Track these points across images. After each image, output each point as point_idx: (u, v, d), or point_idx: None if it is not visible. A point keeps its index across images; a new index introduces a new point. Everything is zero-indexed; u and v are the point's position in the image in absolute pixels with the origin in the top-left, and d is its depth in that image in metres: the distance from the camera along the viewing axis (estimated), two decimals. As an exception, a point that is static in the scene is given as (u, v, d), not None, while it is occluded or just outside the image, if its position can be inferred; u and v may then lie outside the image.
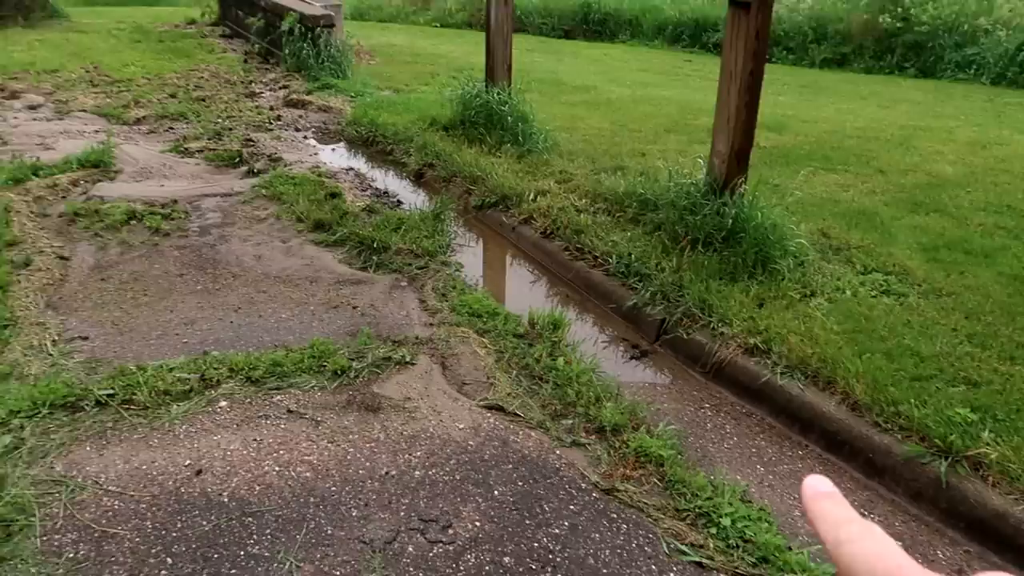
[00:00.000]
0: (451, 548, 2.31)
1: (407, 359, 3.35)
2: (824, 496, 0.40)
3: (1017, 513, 2.35)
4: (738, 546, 2.32)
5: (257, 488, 2.54)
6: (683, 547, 2.33)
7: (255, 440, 2.78)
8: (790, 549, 2.31)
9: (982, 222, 4.53)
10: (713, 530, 2.38)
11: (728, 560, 2.28)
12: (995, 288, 3.66)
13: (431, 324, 3.72)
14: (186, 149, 6.48)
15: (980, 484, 2.46)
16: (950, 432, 2.59)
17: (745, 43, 3.83)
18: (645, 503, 2.52)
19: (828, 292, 3.65)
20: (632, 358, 3.61)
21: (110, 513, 2.38)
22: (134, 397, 2.92)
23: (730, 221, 3.92)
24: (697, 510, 2.46)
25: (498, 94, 6.30)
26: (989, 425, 2.63)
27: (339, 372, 3.21)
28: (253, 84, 9.41)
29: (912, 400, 2.76)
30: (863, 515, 2.23)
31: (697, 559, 2.29)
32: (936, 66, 13.67)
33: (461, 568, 2.24)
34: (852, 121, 7.52)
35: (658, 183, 4.72)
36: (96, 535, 2.28)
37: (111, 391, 2.93)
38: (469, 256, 4.73)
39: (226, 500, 2.46)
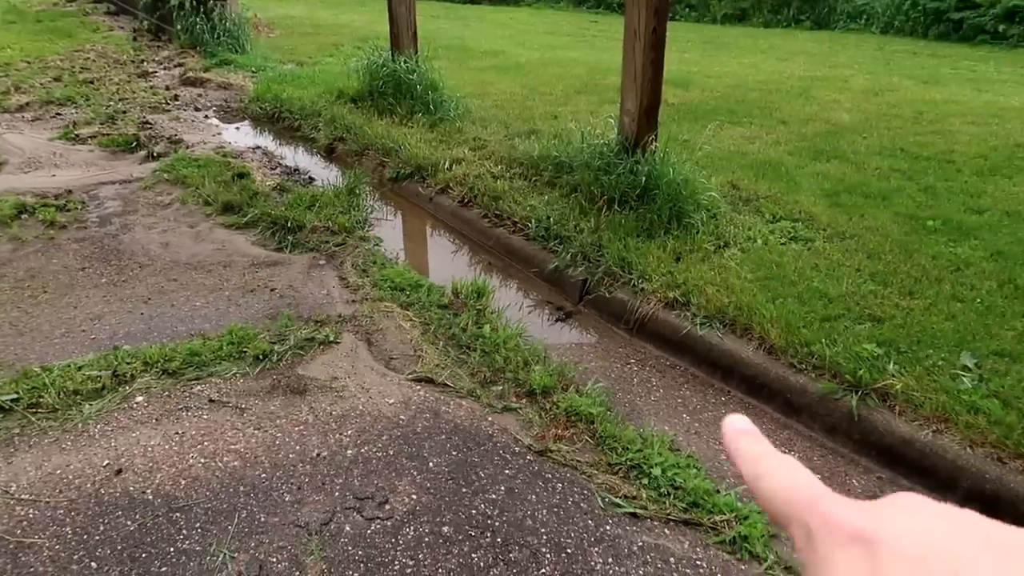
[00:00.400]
0: (389, 523, 2.30)
1: (331, 338, 3.29)
2: (743, 434, 0.40)
3: (922, 438, 2.50)
4: (669, 493, 2.39)
5: (183, 482, 2.46)
6: (617, 500, 2.39)
7: (177, 433, 2.69)
8: (718, 492, 2.40)
9: (878, 166, 4.75)
10: (645, 481, 2.45)
11: (661, 508, 2.35)
12: (893, 228, 3.84)
13: (353, 301, 3.66)
14: (77, 135, 6.13)
15: (888, 414, 2.61)
16: (859, 367, 2.72)
17: (647, 1, 3.85)
18: (578, 461, 2.56)
19: (740, 242, 3.77)
20: (558, 320, 3.65)
21: (25, 523, 2.26)
22: (41, 400, 2.78)
23: (643, 179, 3.98)
24: (628, 463, 2.52)
25: (405, 62, 6.18)
26: (893, 358, 2.78)
27: (261, 357, 3.13)
28: (145, 63, 8.94)
29: (823, 340, 2.89)
30: (784, 452, 2.35)
31: (631, 510, 2.35)
32: (829, 18, 14.15)
33: (400, 542, 2.23)
34: (754, 75, 7.72)
35: (572, 145, 4.74)
36: (11, 547, 2.17)
37: (15, 395, 2.78)
38: (388, 230, 4.66)
39: (150, 497, 2.38)
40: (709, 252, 3.65)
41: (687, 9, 16.18)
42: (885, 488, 2.51)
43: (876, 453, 2.61)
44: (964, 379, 2.67)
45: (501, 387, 2.97)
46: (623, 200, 4.04)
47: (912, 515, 0.31)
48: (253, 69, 8.46)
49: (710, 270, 3.47)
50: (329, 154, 5.98)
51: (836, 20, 14.00)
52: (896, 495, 0.34)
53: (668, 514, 2.33)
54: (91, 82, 7.88)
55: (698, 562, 2.18)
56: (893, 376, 2.68)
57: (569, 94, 6.87)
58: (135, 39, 10.28)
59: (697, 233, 3.80)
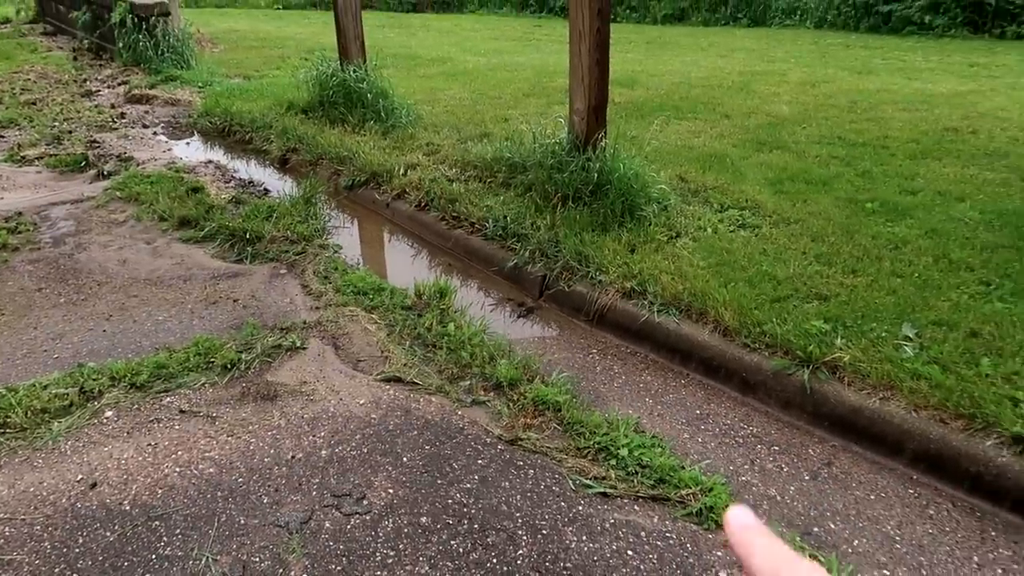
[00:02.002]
0: (368, 517, 2.36)
1: (298, 344, 3.33)
2: (752, 529, 0.42)
3: (870, 406, 2.65)
4: (637, 472, 2.49)
5: (160, 491, 2.48)
6: (588, 481, 2.48)
7: (150, 445, 2.71)
8: (683, 468, 2.51)
9: (818, 154, 4.95)
10: (613, 462, 2.55)
11: (630, 486, 2.45)
12: (834, 211, 4.03)
13: (317, 307, 3.70)
14: (23, 157, 6.03)
15: (838, 385, 2.75)
16: (808, 343, 2.87)
17: (590, 2, 3.98)
18: (548, 447, 2.65)
19: (692, 232, 3.91)
20: (520, 316, 3.74)
21: (1, 541, 2.27)
22: (8, 420, 2.77)
23: (595, 175, 4.09)
24: (596, 446, 2.62)
25: (354, 72, 6.22)
26: (840, 332, 2.93)
27: (229, 366, 3.16)
28: (88, 82, 8.80)
29: (774, 319, 3.03)
30: (742, 428, 2.44)
31: (602, 490, 2.45)
32: (765, 15, 14.56)
33: (380, 534, 2.29)
34: (696, 72, 7.94)
35: (524, 146, 4.84)
36: (-9, 564, 2.17)
37: (-19, 417, 2.76)
38: (347, 237, 4.69)
39: (128, 508, 2.40)
40: (662, 242, 3.78)
41: (628, 11, 16.48)
42: (839, 455, 2.65)
43: (829, 423, 2.75)
44: (906, 348, 2.83)
45: (469, 382, 3.04)
46: (577, 196, 4.15)
47: None
48: (200, 84, 8.40)
49: (664, 259, 3.60)
50: (283, 165, 5.98)
51: (772, 17, 14.42)
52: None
53: (637, 491, 2.43)
54: (33, 103, 7.74)
55: (668, 534, 2.28)
56: (841, 349, 2.83)
57: (518, 97, 6.99)
58: (75, 59, 10.10)
59: (650, 225, 3.93)
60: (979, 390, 2.55)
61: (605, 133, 4.32)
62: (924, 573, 2.14)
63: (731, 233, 3.88)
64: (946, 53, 9.57)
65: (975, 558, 2.20)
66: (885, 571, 2.15)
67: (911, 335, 2.91)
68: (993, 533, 2.30)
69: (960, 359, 2.74)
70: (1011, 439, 2.40)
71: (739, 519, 0.42)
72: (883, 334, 2.91)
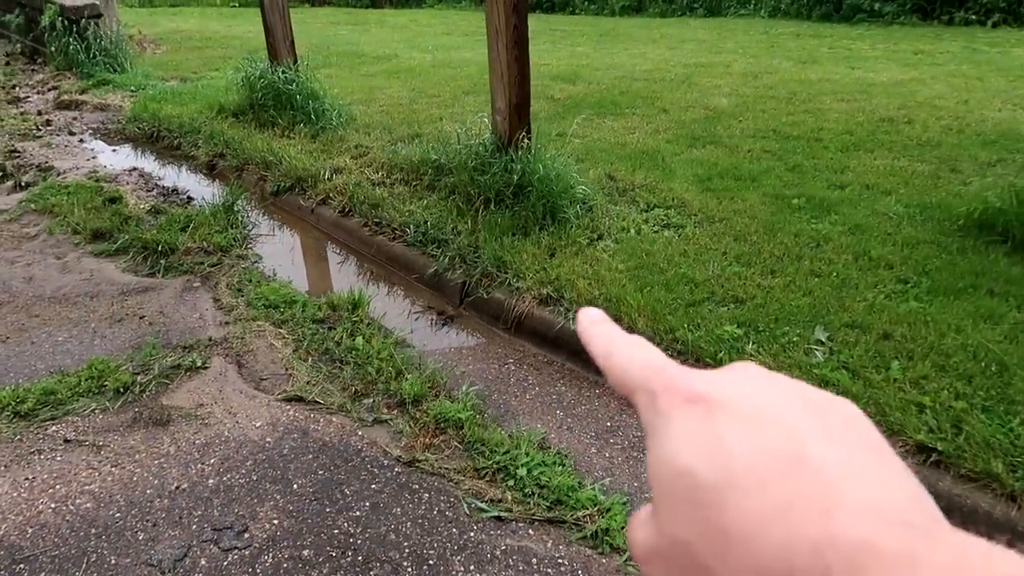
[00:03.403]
0: (247, 553, 2.23)
1: (199, 364, 3.18)
2: (596, 322, 0.42)
3: (778, 413, 2.56)
4: (534, 493, 2.39)
5: (30, 531, 2.33)
6: (483, 504, 2.37)
7: (27, 479, 2.55)
8: (582, 486, 2.41)
9: (750, 148, 4.88)
10: (511, 482, 2.44)
11: (525, 509, 2.35)
12: (760, 208, 3.95)
13: (226, 323, 3.55)
14: (-65, 169, 5.76)
15: (747, 392, 2.66)
16: (719, 350, 2.78)
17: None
18: (446, 468, 2.54)
19: (615, 233, 3.81)
20: (439, 325, 3.62)
21: None
22: None
23: (517, 177, 3.98)
24: (496, 465, 2.51)
25: (283, 73, 6.03)
26: (752, 337, 2.85)
27: (122, 390, 3.00)
28: (17, 88, 8.50)
29: (686, 325, 2.94)
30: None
31: (496, 513, 2.34)
32: (721, 4, 14.52)
33: (258, 571, 2.17)
34: (641, 65, 7.85)
35: (451, 147, 4.71)
36: None
37: None
38: (268, 246, 4.54)
39: (-10, 552, 2.24)
40: (583, 245, 3.67)
41: (586, 2, 16.37)
42: (747, 465, 2.56)
43: (738, 432, 2.66)
44: (817, 353, 2.76)
45: (372, 399, 2.92)
46: (499, 199, 4.04)
47: (746, 380, 0.34)
48: (133, 88, 8.14)
49: (583, 263, 3.50)
50: (210, 171, 5.80)
51: (728, 6, 14.39)
52: (734, 364, 0.37)
53: (532, 514, 2.33)
54: (-45, 112, 7.45)
55: (560, 560, 2.18)
56: (751, 356, 2.75)
57: (457, 95, 6.85)
58: (8, 63, 9.77)
59: (572, 227, 3.83)
60: (886, 396, 2.48)
61: (528, 132, 4.21)
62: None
63: (655, 234, 3.79)
64: (893, 41, 9.58)
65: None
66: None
67: (823, 339, 2.84)
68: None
69: (870, 363, 2.66)
70: (915, 447, 2.33)
71: (589, 315, 0.42)
72: (795, 338, 2.83)
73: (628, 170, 4.58)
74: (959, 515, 2.18)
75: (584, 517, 2.29)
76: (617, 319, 3.07)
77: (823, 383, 2.58)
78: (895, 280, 3.19)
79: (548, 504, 2.35)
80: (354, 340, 3.25)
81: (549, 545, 2.23)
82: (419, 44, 10.85)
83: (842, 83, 6.65)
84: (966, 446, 2.26)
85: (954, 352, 2.69)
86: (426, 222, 4.05)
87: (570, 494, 2.36)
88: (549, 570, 2.15)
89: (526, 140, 4.16)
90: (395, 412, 2.85)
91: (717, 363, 2.74)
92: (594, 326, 0.42)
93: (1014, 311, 2.90)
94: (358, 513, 2.38)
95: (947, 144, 4.83)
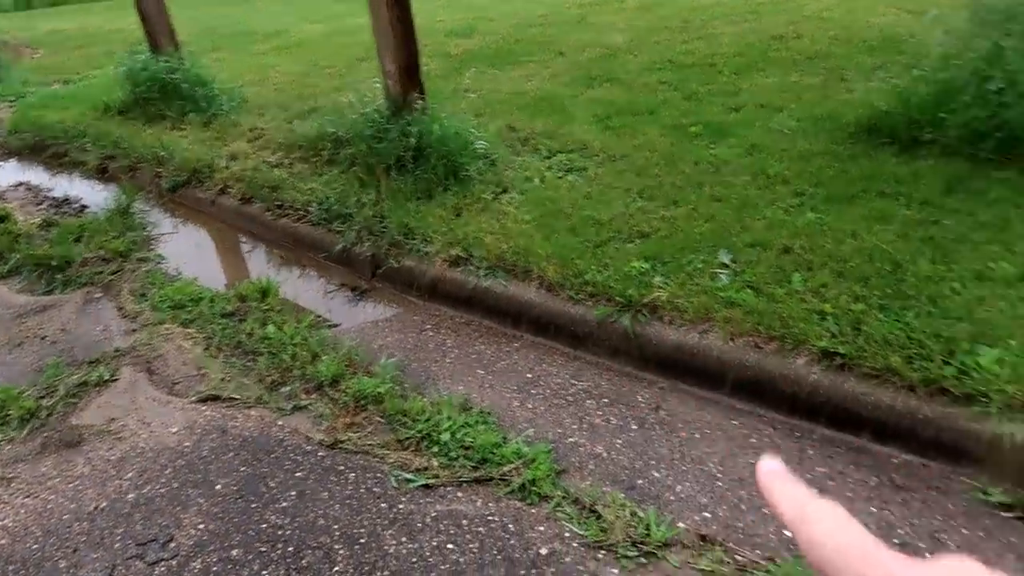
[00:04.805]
0: (174, 563, 2.18)
1: (107, 377, 3.06)
2: (778, 477, 0.42)
3: (690, 341, 2.61)
4: (459, 456, 2.38)
5: (-59, 578, 2.23)
6: (409, 475, 2.36)
7: (-67, 525, 2.43)
8: (506, 442, 2.41)
9: (647, 82, 4.88)
10: (435, 449, 2.43)
11: (452, 473, 2.34)
12: (660, 141, 3.97)
13: (132, 330, 3.42)
14: None
15: (659, 325, 2.70)
16: (628, 286, 2.80)
17: (375, -43, 3.72)
18: (370, 444, 2.51)
19: (519, 184, 3.78)
20: (352, 301, 3.55)
21: None
22: None
23: (414, 140, 3.90)
24: (419, 434, 2.49)
25: (166, 62, 5.76)
26: (659, 270, 2.87)
27: (27, 417, 2.87)
28: None
29: (594, 266, 2.95)
30: (573, 384, 2.35)
31: (424, 482, 2.33)
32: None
33: (187, 578, 2.12)
34: (536, 9, 7.75)
35: (347, 117, 4.58)
36: None
37: None
38: (170, 245, 4.37)
39: (-102, 606, 2.14)
40: (488, 201, 3.64)
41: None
42: (667, 396, 2.61)
43: (655, 365, 2.70)
44: (722, 276, 2.80)
45: (290, 387, 2.86)
46: (400, 165, 3.95)
47: None
48: (12, 98, 7.68)
49: (490, 219, 3.46)
50: (102, 175, 5.53)
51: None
52: (949, 558, 0.35)
53: (459, 477, 2.33)
54: None
55: (490, 517, 2.19)
56: (659, 288, 2.78)
57: (352, 64, 6.66)
58: None
59: (475, 184, 3.78)
60: (788, 309, 2.54)
61: (422, 93, 4.12)
62: (743, 508, 2.12)
63: (558, 180, 3.77)
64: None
65: (793, 481, 2.19)
66: (706, 513, 2.12)
67: (727, 261, 2.88)
68: (810, 452, 2.30)
69: (772, 279, 2.72)
70: (820, 354, 2.39)
71: (766, 468, 0.43)
72: (700, 265, 2.86)
73: (528, 119, 4.54)
74: (865, 412, 2.26)
75: (510, 471, 2.30)
76: (526, 271, 3.08)
77: (729, 304, 2.62)
78: (792, 195, 3.25)
79: (474, 464, 2.35)
80: (266, 329, 3.17)
81: (478, 504, 2.23)
82: (309, 15, 10.49)
83: (732, 5, 6.69)
84: (866, 346, 2.34)
85: (851, 257, 2.76)
86: (329, 198, 3.95)
87: (495, 451, 2.37)
88: (480, 528, 2.15)
89: (420, 101, 4.07)
90: (314, 396, 2.80)
91: (628, 300, 2.76)
92: (777, 483, 0.41)
93: (903, 209, 2.99)
94: (285, 504, 2.34)
95: (835, 55, 4.92)
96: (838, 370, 2.34)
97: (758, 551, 1.97)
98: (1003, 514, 2.01)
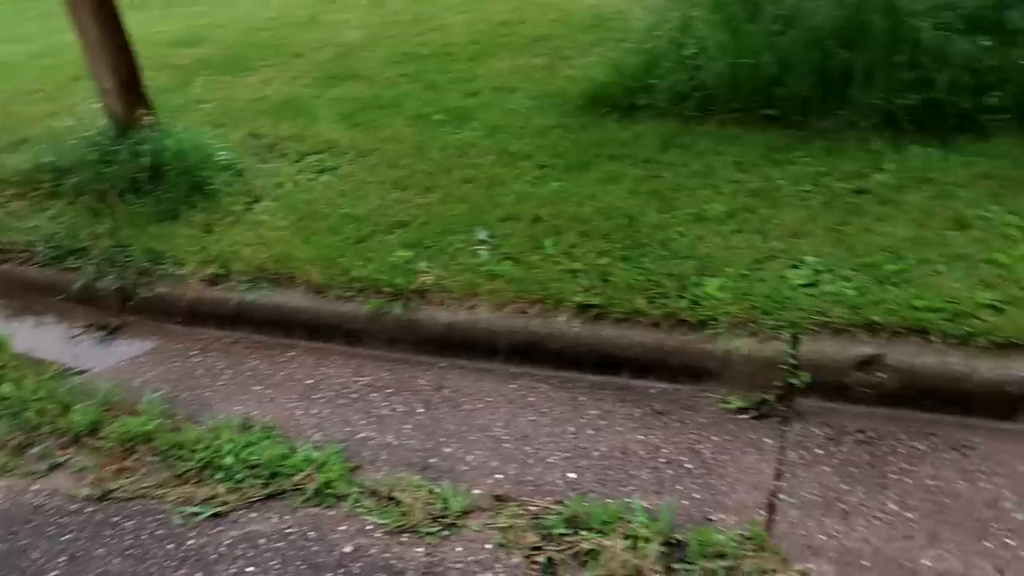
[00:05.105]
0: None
1: None
2: None
3: (461, 318, 2.71)
4: (246, 477, 2.29)
5: None
6: (195, 508, 2.23)
7: None
8: (294, 452, 2.36)
9: (387, 76, 4.94)
10: (219, 475, 2.32)
11: (241, 495, 2.24)
12: (406, 132, 4.04)
13: None
14: None
15: (430, 308, 2.77)
16: (395, 276, 2.84)
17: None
18: (146, 487, 2.34)
19: (271, 191, 3.67)
20: (103, 341, 3.25)
21: None
22: None
23: (147, 159, 3.64)
24: (199, 464, 2.36)
25: None
26: (423, 255, 2.95)
27: None
28: None
29: (359, 262, 2.95)
30: (355, 382, 2.31)
31: (211, 511, 2.21)
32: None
33: None
34: (264, 12, 7.51)
35: (66, 144, 4.15)
36: None
37: None
38: None
39: None
40: (240, 213, 3.50)
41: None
42: (448, 374, 2.68)
43: (433, 347, 2.77)
44: (482, 252, 2.93)
45: (41, 446, 2.57)
46: (136, 187, 3.67)
47: None
48: None
49: (244, 230, 3.33)
50: None
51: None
52: None
53: (249, 497, 2.24)
54: None
55: (288, 530, 2.13)
56: (424, 273, 2.85)
57: (64, 84, 6.03)
58: None
59: (223, 197, 3.61)
60: (545, 272, 2.72)
61: (148, 108, 3.85)
62: (530, 462, 2.26)
63: (311, 182, 3.71)
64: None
65: (571, 428, 2.37)
66: (498, 475, 2.22)
67: (485, 237, 3.01)
68: (582, 398, 2.49)
69: (527, 248, 2.89)
70: (577, 309, 2.59)
71: None
72: (460, 245, 2.98)
73: (272, 124, 4.40)
74: (622, 353, 2.49)
75: (303, 479, 2.25)
76: (290, 277, 3.03)
77: (492, 277, 2.75)
78: (535, 168, 3.47)
79: (263, 481, 2.27)
80: (0, 390, 2.82)
81: (274, 520, 2.17)
82: (8, 37, 9.30)
83: (460, -4, 6.92)
84: (615, 294, 2.57)
85: (592, 217, 3.01)
86: (57, 234, 3.58)
87: (284, 463, 2.31)
88: (279, 544, 2.09)
89: (147, 117, 3.80)
90: (71, 450, 2.54)
91: (396, 289, 2.80)
92: None
93: (630, 169, 3.32)
94: (56, 572, 2.11)
95: (557, 36, 5.29)
96: (595, 320, 2.55)
97: (548, 497, 2.11)
98: (741, 416, 2.32)
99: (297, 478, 2.27)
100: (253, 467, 2.33)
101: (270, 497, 2.25)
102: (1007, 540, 1.87)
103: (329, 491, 2.21)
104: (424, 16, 6.34)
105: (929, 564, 1.82)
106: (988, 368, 2.18)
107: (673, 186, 3.14)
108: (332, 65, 5.36)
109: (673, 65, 3.77)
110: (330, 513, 2.17)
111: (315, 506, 2.20)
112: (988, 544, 1.86)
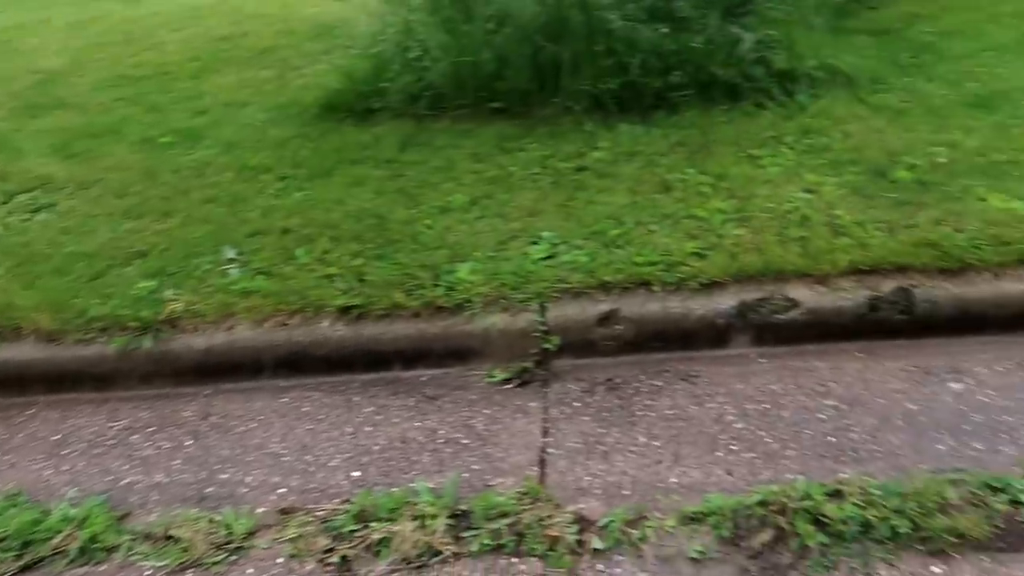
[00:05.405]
0: None
1: None
2: None
3: (219, 341, 2.62)
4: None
5: None
6: (-66, 602, 1.97)
7: None
8: (47, 514, 2.16)
9: (101, 101, 4.59)
10: (-43, 561, 2.06)
11: (-8, 574, 2.02)
12: (132, 158, 3.80)
13: None
14: None
15: (184, 336, 2.65)
16: (140, 309, 2.68)
17: None
18: None
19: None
20: None
21: None
22: None
23: None
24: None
25: None
26: (168, 283, 2.81)
27: None
28: None
29: (96, 300, 2.75)
30: (111, 427, 2.14)
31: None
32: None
33: None
34: (-61, 42, 6.57)
35: None
36: None
37: None
38: None
39: None
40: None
41: None
42: (214, 402, 2.59)
43: (193, 376, 2.66)
44: (232, 271, 2.85)
45: None
46: None
47: None
48: None
49: (-51, 287, 2.94)
50: None
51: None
52: None
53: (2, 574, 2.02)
54: None
55: (51, 597, 1.96)
56: (172, 301, 2.72)
57: None
58: None
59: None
60: (301, 282, 2.72)
61: None
62: (312, 470, 2.26)
63: (25, 223, 3.36)
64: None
65: (348, 429, 2.40)
66: (281, 490, 2.20)
67: (234, 256, 2.94)
68: (356, 398, 2.53)
69: (280, 260, 2.87)
70: (338, 312, 2.62)
71: None
72: (208, 267, 2.88)
73: (-36, 166, 3.91)
74: (388, 348, 2.57)
75: (63, 541, 2.07)
76: (15, 329, 2.75)
77: (246, 294, 2.70)
78: (277, 180, 3.43)
79: (16, 553, 2.06)
80: None
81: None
82: None
83: (170, 13, 6.55)
84: (373, 292, 2.64)
85: (342, 221, 3.05)
86: None
87: (36, 529, 2.10)
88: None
89: None
90: None
91: (144, 322, 2.64)
92: None
93: (374, 170, 3.40)
94: None
95: (283, 47, 5.21)
96: (357, 320, 2.60)
97: (335, 499, 2.13)
98: (507, 387, 2.50)
99: (56, 541, 2.08)
100: (1, 541, 2.10)
101: (26, 569, 2.04)
102: (732, 447, 2.21)
103: (96, 545, 2.06)
104: (136, 36, 5.93)
105: (676, 481, 2.10)
106: (700, 306, 2.55)
107: (416, 183, 3.27)
108: (32, 94, 4.85)
109: (401, 68, 3.90)
110: (101, 568, 2.02)
111: (82, 565, 2.03)
112: (719, 453, 2.19)
